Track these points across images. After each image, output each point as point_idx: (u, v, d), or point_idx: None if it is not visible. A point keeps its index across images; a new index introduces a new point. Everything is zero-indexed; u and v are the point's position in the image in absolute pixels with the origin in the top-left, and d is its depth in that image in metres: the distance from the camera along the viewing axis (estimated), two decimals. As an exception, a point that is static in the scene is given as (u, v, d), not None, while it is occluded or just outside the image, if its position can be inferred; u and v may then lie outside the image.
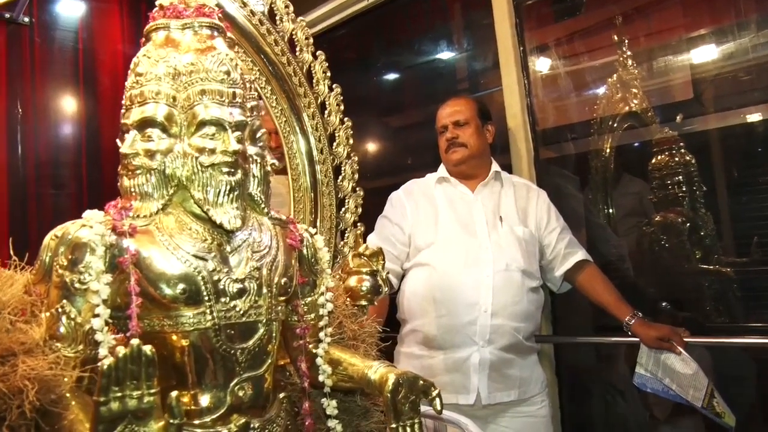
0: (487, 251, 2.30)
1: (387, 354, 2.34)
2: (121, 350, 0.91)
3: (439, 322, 2.25)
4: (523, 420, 2.25)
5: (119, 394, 0.91)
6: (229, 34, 1.44)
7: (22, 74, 2.72)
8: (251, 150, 1.38)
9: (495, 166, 2.51)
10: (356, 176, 2.07)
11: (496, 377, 2.21)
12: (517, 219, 2.41)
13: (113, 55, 3.01)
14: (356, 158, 2.08)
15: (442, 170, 2.53)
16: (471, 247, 2.32)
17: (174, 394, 0.94)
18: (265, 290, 1.30)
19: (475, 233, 2.35)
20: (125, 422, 0.92)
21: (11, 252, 1.28)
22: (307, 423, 1.40)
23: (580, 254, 2.41)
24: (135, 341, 0.93)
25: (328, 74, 2.03)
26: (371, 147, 3.82)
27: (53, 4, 2.86)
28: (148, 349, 0.93)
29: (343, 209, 2.05)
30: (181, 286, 1.20)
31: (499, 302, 2.22)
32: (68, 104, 2.90)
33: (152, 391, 0.94)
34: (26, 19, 2.72)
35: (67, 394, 1.08)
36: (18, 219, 2.66)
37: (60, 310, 1.14)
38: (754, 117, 2.67)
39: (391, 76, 3.89)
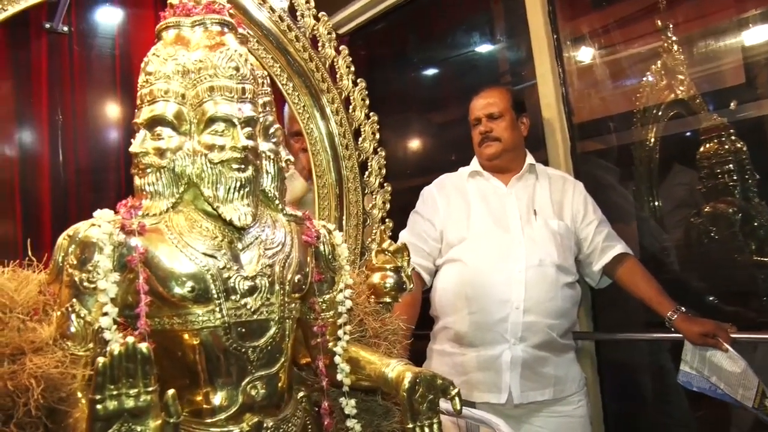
0: (520, 246, 2.24)
1: (420, 352, 2.32)
2: (115, 348, 0.90)
3: (470, 319, 2.20)
4: (559, 420, 2.18)
5: (115, 393, 0.90)
6: (241, 30, 1.43)
7: (61, 82, 2.78)
8: (264, 146, 1.36)
9: (530, 159, 2.43)
10: (383, 171, 2.04)
11: (530, 375, 2.15)
12: (552, 212, 2.34)
13: (150, 60, 3.05)
14: (383, 153, 2.05)
15: (474, 164, 2.47)
16: (503, 242, 2.26)
17: (170, 392, 0.93)
18: (277, 287, 1.28)
19: (508, 228, 2.29)
20: (121, 420, 0.91)
21: (29, 253, 1.30)
22: (325, 423, 1.38)
23: (619, 247, 2.33)
24: (130, 339, 0.92)
25: (352, 69, 2.00)
26: (413, 143, 3.78)
27: (90, 12, 2.92)
28: (143, 347, 0.92)
29: (371, 205, 2.02)
30: (189, 284, 1.19)
31: (531, 299, 2.16)
32: (107, 110, 2.96)
33: (149, 389, 0.92)
34: (65, 29, 2.78)
35: (78, 393, 1.09)
36: (60, 224, 2.71)
37: (70, 309, 1.15)
38: (813, 100, 2.53)
39: (430, 71, 3.83)
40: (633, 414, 2.78)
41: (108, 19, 2.97)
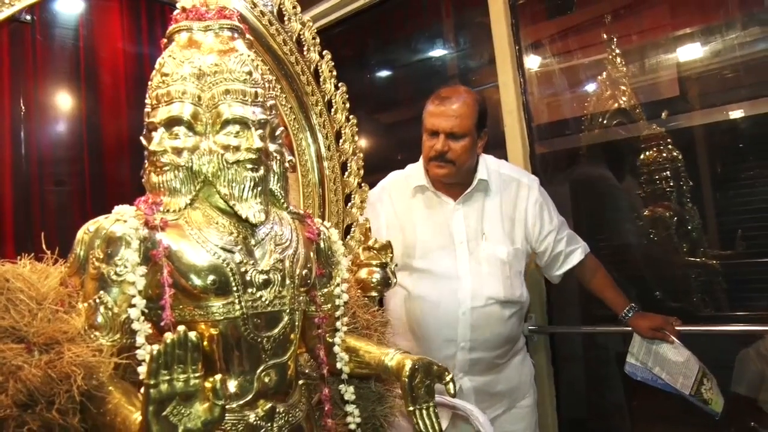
0: (467, 282, 2.19)
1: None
2: (169, 336, 0.96)
3: (418, 351, 2.16)
4: (510, 412, 2.30)
5: (167, 377, 0.97)
6: (247, 36, 1.50)
7: (24, 72, 2.72)
8: (271, 147, 1.43)
9: (481, 173, 2.28)
10: (362, 172, 2.13)
11: (484, 398, 2.22)
12: (502, 233, 2.26)
13: (113, 52, 3.03)
14: (361, 155, 2.14)
15: (420, 175, 2.32)
16: (450, 276, 2.21)
17: (218, 377, 1.00)
18: (288, 281, 1.37)
19: (454, 256, 2.23)
20: (173, 403, 0.97)
21: (44, 247, 1.33)
22: (326, 408, 1.47)
23: (580, 251, 2.36)
24: (181, 328, 0.98)
25: (335, 73, 2.09)
26: (367, 142, 3.88)
27: (54, 2, 2.87)
28: (193, 335, 0.99)
29: (350, 204, 2.11)
30: (211, 277, 1.26)
31: (477, 339, 2.18)
32: (70, 101, 2.92)
33: (197, 374, 0.99)
34: (27, 18, 2.72)
35: (105, 380, 1.14)
36: (22, 216, 2.68)
37: (98, 300, 1.20)
38: (737, 114, 2.76)
39: (388, 73, 3.95)
40: (583, 401, 2.98)
41: (72, 9, 2.93)
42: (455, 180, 2.26)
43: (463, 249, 2.24)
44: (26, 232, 2.67)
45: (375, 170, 3.58)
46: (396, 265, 1.86)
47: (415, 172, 2.36)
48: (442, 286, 2.21)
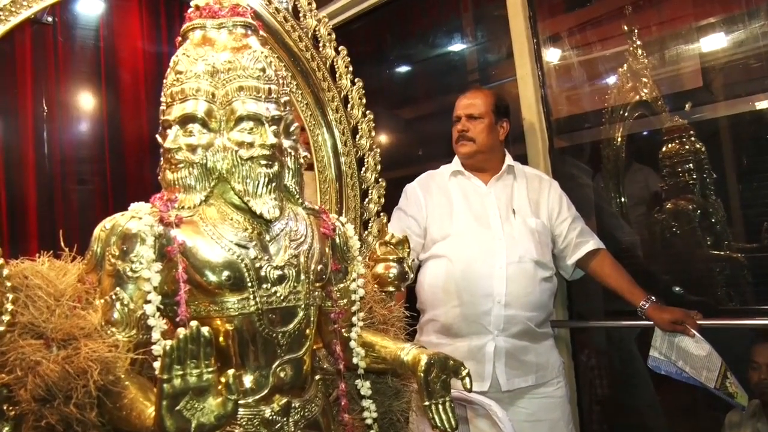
0: (501, 243, 2.34)
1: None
2: (182, 332, 0.97)
3: (456, 311, 2.30)
4: (540, 401, 2.31)
5: (181, 372, 0.97)
6: (261, 32, 1.50)
7: (46, 73, 2.78)
8: (285, 143, 1.43)
9: (509, 160, 2.52)
10: (379, 167, 2.13)
11: (514, 364, 2.27)
12: (530, 211, 2.44)
13: (133, 52, 3.07)
14: (378, 150, 2.14)
15: (456, 163, 2.55)
16: (485, 239, 2.36)
17: (231, 371, 1.01)
18: (303, 277, 1.37)
19: (489, 225, 2.39)
20: (187, 398, 0.98)
21: (62, 244, 1.35)
22: (342, 403, 1.48)
23: (592, 243, 2.45)
24: (194, 323, 0.99)
25: (351, 69, 2.08)
26: (386, 138, 3.88)
27: (74, 3, 2.91)
28: (205, 330, 0.99)
29: (367, 200, 2.11)
30: (225, 273, 1.27)
31: (512, 293, 2.28)
32: (91, 101, 2.97)
33: (210, 369, 1.00)
34: (49, 19, 2.77)
35: (122, 375, 1.16)
36: (45, 214, 2.73)
37: (114, 297, 1.22)
38: (763, 104, 2.70)
39: (406, 69, 3.94)
40: (604, 395, 2.96)
41: (92, 10, 2.98)
42: (479, 160, 2.50)
43: (497, 220, 2.42)
44: (50, 230, 2.73)
45: (393, 166, 3.60)
46: (413, 260, 1.85)
47: (450, 164, 2.59)
48: (480, 247, 2.35)
